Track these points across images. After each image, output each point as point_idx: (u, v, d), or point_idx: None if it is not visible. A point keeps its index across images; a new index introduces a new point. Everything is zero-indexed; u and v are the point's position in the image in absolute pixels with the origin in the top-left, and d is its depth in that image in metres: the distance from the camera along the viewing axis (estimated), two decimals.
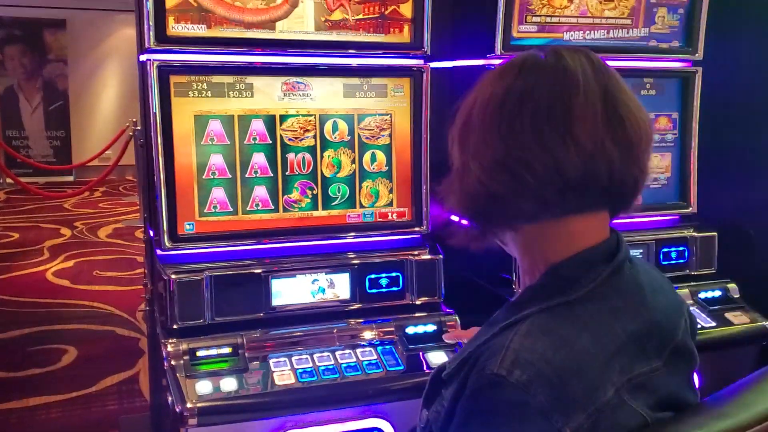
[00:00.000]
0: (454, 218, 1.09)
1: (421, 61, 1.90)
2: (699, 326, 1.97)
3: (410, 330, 1.82)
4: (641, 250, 2.10)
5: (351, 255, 1.86)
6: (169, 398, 1.58)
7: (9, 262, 5.93)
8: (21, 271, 5.72)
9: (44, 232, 7.15)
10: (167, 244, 1.73)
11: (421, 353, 1.77)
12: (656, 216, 2.20)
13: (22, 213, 8.18)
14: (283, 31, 1.76)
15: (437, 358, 1.74)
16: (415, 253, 1.89)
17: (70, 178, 10.36)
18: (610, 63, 1.01)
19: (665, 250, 2.12)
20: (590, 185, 0.95)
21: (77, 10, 10.37)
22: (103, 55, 10.91)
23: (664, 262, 2.12)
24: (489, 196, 0.98)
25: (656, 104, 2.14)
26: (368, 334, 1.80)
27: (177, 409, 1.55)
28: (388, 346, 1.77)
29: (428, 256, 1.89)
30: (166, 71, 1.68)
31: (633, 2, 2.06)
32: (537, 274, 1.03)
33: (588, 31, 2.04)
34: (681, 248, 2.14)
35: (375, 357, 1.73)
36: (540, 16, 1.99)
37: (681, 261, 2.14)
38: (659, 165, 2.19)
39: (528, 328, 0.93)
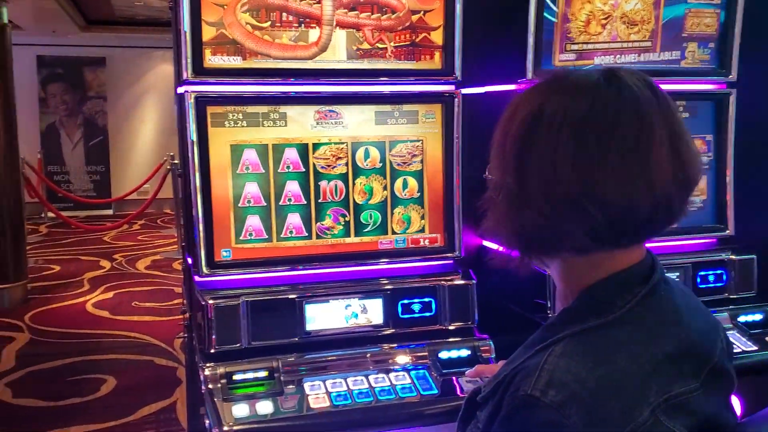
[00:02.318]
0: (489, 244, 1.10)
1: (452, 87, 1.93)
2: (740, 350, 1.95)
3: (444, 355, 1.82)
4: (678, 274, 2.07)
5: (383, 281, 1.87)
6: (207, 421, 1.60)
7: (50, 294, 6.06)
8: (62, 302, 5.85)
9: (84, 264, 7.31)
10: (205, 270, 1.76)
11: (454, 378, 1.76)
12: (693, 239, 2.18)
13: (63, 246, 8.36)
14: (316, 60, 1.80)
15: (471, 382, 1.73)
16: (448, 278, 1.90)
17: (110, 212, 10.58)
18: None
19: (703, 273, 2.09)
20: (651, 226, 0.97)
21: (116, 48, 10.69)
22: (141, 92, 11.21)
23: (701, 286, 2.09)
24: (548, 230, 0.97)
25: (690, 127, 2.10)
26: (402, 359, 1.80)
27: None
28: (421, 371, 1.77)
29: (461, 282, 1.90)
30: (203, 102, 1.73)
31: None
32: (572, 296, 1.03)
33: (618, 56, 2.05)
34: (719, 271, 2.11)
35: (409, 381, 1.73)
36: (578, 43, 2.01)
37: (719, 284, 2.11)
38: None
39: (563, 350, 0.93)
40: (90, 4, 8.90)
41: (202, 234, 1.74)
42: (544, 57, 1.97)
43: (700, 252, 2.15)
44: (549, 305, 1.94)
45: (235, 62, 1.74)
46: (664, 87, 1.00)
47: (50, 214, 9.18)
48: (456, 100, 1.91)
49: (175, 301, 5.63)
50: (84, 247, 8.23)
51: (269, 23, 1.75)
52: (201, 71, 1.72)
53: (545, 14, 1.95)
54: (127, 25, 10.04)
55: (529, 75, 1.94)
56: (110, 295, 6.07)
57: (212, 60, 1.73)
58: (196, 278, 1.78)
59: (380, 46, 1.84)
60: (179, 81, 1.76)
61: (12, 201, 5.69)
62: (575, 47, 2.00)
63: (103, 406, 3.78)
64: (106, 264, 7.31)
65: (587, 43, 2.01)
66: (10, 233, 5.66)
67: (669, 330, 0.98)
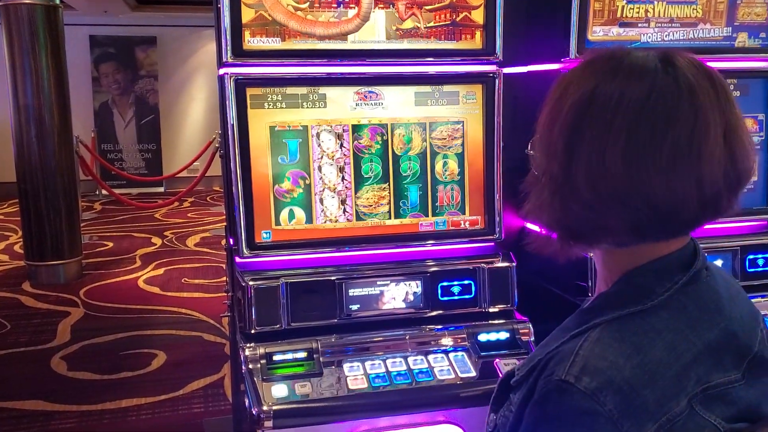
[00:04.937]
0: (531, 226, 1.08)
1: (493, 67, 1.90)
2: None
3: (482, 337, 1.81)
4: (726, 258, 2.02)
5: (423, 263, 1.87)
6: (247, 401, 1.63)
7: (104, 270, 6.22)
8: (115, 278, 5.99)
9: (136, 241, 7.47)
10: (245, 252, 1.78)
11: (494, 360, 1.76)
12: (743, 222, 2.12)
13: (116, 223, 8.56)
14: (355, 41, 1.80)
15: (510, 365, 1.72)
16: (488, 261, 1.89)
17: (161, 189, 10.78)
18: None
19: (752, 257, 2.03)
20: (696, 222, 0.94)
21: (167, 27, 10.82)
22: (191, 70, 11.34)
23: (750, 270, 2.04)
24: (591, 223, 0.95)
25: (741, 106, 2.04)
26: (440, 341, 1.80)
27: (254, 412, 1.59)
28: (460, 353, 1.78)
29: (501, 264, 1.88)
30: (242, 84, 1.74)
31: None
32: (611, 280, 1.01)
33: (667, 33, 1.99)
34: None
35: (447, 363, 1.74)
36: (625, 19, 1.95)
37: None
38: None
39: (599, 336, 0.92)
40: None
41: (242, 216, 1.76)
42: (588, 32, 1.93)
43: (750, 235, 2.09)
44: (590, 287, 1.91)
45: (274, 44, 1.75)
46: (716, 65, 0.96)
47: (104, 192, 9.40)
48: (497, 80, 1.88)
49: (223, 278, 5.70)
50: (136, 224, 8.40)
51: (308, 4, 1.75)
52: (240, 53, 1.73)
53: None
54: (177, 4, 10.15)
55: (573, 54, 1.90)
56: (161, 271, 6.20)
57: (251, 42, 1.73)
58: (237, 259, 1.80)
59: (416, 24, 1.82)
60: (220, 63, 1.78)
61: (66, 179, 5.83)
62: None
63: (154, 381, 3.88)
64: (157, 241, 7.46)
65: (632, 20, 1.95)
66: (65, 210, 5.82)
67: (710, 319, 0.95)
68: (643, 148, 0.88)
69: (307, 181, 1.82)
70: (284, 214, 1.81)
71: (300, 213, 1.82)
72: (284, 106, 1.78)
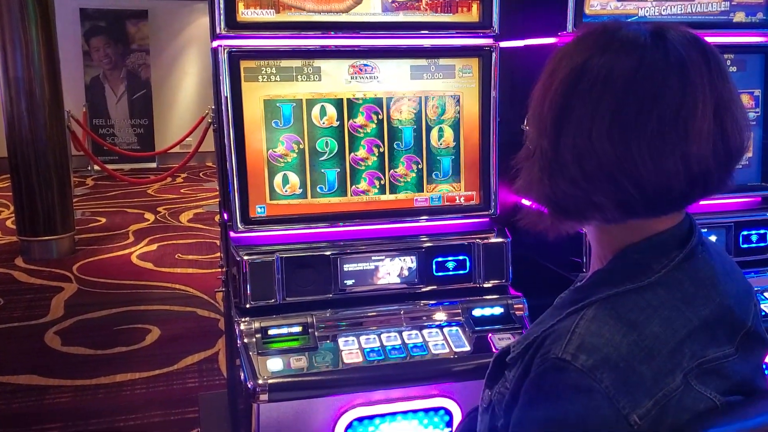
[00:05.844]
0: (525, 202, 1.07)
1: (490, 41, 1.88)
2: None
3: (477, 312, 1.82)
4: (720, 233, 2.02)
5: (418, 238, 1.86)
6: (242, 375, 1.64)
7: (97, 246, 6.20)
8: (108, 254, 5.98)
9: (129, 216, 7.45)
10: (240, 226, 1.77)
11: (488, 335, 1.77)
12: (737, 198, 2.12)
13: (108, 198, 8.53)
14: (350, 13, 1.77)
15: (504, 340, 1.73)
16: (483, 236, 1.88)
17: (153, 165, 10.73)
18: None
19: (745, 233, 2.04)
20: (686, 199, 0.94)
21: (158, 0, 10.69)
22: (184, 44, 11.23)
23: (744, 246, 2.04)
24: (579, 199, 0.94)
25: (737, 81, 2.04)
26: (435, 316, 1.81)
27: (249, 386, 1.60)
28: (454, 328, 1.78)
29: (496, 240, 1.88)
30: (236, 56, 1.71)
31: None
32: (605, 258, 1.01)
33: (664, 6, 1.97)
34: (763, 231, 2.06)
35: (441, 338, 1.74)
36: None
37: (762, 244, 2.06)
38: None
39: (595, 313, 0.92)
40: None
41: (236, 190, 1.75)
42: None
43: (744, 211, 2.10)
44: (585, 263, 1.91)
45: (268, 15, 1.72)
46: (711, 40, 0.95)
47: (96, 167, 9.34)
48: (493, 54, 1.87)
49: (217, 254, 5.70)
50: (129, 200, 8.38)
51: None
52: (234, 25, 1.71)
53: None
54: None
55: (569, 27, 1.88)
56: (154, 247, 6.18)
57: (245, 13, 1.71)
58: (232, 234, 1.80)
59: None
60: (213, 35, 1.75)
61: (58, 154, 5.79)
62: None
63: (148, 355, 3.88)
64: (150, 216, 7.44)
65: None
66: (57, 186, 5.78)
67: (705, 294, 0.95)
68: (628, 125, 0.88)
69: (301, 146, 1.80)
70: (278, 179, 1.79)
71: (294, 178, 1.80)
72: (278, 79, 1.76)
